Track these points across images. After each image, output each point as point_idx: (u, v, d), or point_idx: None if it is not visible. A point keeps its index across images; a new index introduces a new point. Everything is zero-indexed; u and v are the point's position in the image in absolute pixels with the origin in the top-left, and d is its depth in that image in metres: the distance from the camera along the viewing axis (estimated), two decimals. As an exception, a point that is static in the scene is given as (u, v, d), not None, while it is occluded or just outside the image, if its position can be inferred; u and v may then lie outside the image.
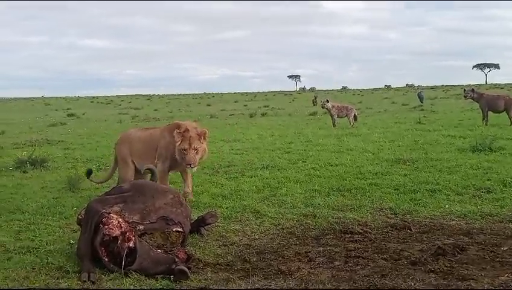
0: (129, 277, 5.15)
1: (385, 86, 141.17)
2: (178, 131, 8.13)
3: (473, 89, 21.39)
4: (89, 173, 9.18)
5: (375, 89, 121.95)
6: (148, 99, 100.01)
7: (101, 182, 9.68)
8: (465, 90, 22.07)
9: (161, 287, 5.05)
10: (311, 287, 4.91)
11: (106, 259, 5.34)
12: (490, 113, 20.01)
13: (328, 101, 22.52)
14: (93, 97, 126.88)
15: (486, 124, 19.40)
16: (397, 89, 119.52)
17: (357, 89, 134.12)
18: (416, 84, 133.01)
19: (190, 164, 8.10)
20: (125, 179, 8.72)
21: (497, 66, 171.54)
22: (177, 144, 8.10)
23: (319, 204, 8.10)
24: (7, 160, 13.47)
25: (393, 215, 7.43)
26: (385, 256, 5.66)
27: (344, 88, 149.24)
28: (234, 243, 6.35)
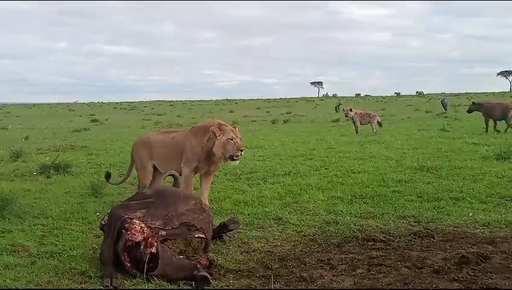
0: (151, 282, 5.18)
1: (395, 92, 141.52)
2: (214, 126, 8.21)
3: (473, 102, 22.78)
4: (107, 176, 9.32)
5: (385, 97, 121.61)
6: (171, 105, 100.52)
7: (119, 183, 9.75)
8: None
9: (183, 293, 5.06)
10: (333, 295, 4.89)
11: (129, 264, 5.37)
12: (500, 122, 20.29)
13: (351, 110, 22.51)
14: (117, 103, 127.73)
15: (487, 132, 19.76)
16: (409, 96, 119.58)
17: (367, 95, 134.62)
18: (425, 92, 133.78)
19: (242, 149, 8.21)
20: (144, 183, 8.86)
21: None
22: (219, 137, 8.15)
23: (341, 211, 8.07)
24: (31, 165, 13.61)
25: (416, 223, 7.38)
26: (408, 264, 5.62)
27: (357, 95, 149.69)
28: (256, 250, 6.34)
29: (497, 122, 20.10)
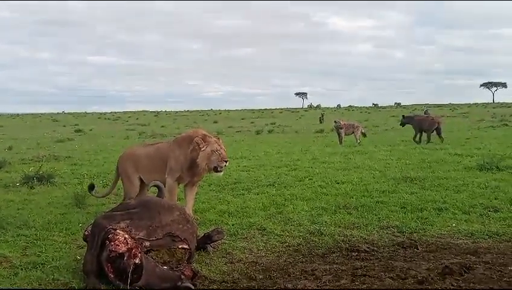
0: (135, 293, 5.15)
1: (373, 104, 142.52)
2: (199, 138, 8.20)
3: (403, 116, 24.76)
4: (90, 187, 9.23)
5: (369, 108, 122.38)
6: (156, 115, 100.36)
7: (103, 197, 9.69)
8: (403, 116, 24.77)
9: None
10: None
11: (112, 275, 5.33)
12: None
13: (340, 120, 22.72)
14: (101, 113, 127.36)
15: (418, 143, 20.91)
16: (385, 107, 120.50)
17: (350, 106, 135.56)
18: (403, 103, 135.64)
19: (227, 160, 8.23)
20: (130, 196, 8.79)
21: (504, 85, 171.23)
22: (203, 149, 8.15)
23: (325, 222, 8.07)
24: (14, 175, 13.52)
25: (400, 234, 7.40)
26: (392, 275, 5.63)
27: (339, 106, 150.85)
28: (240, 261, 6.34)
29: (427, 135, 21.53)
